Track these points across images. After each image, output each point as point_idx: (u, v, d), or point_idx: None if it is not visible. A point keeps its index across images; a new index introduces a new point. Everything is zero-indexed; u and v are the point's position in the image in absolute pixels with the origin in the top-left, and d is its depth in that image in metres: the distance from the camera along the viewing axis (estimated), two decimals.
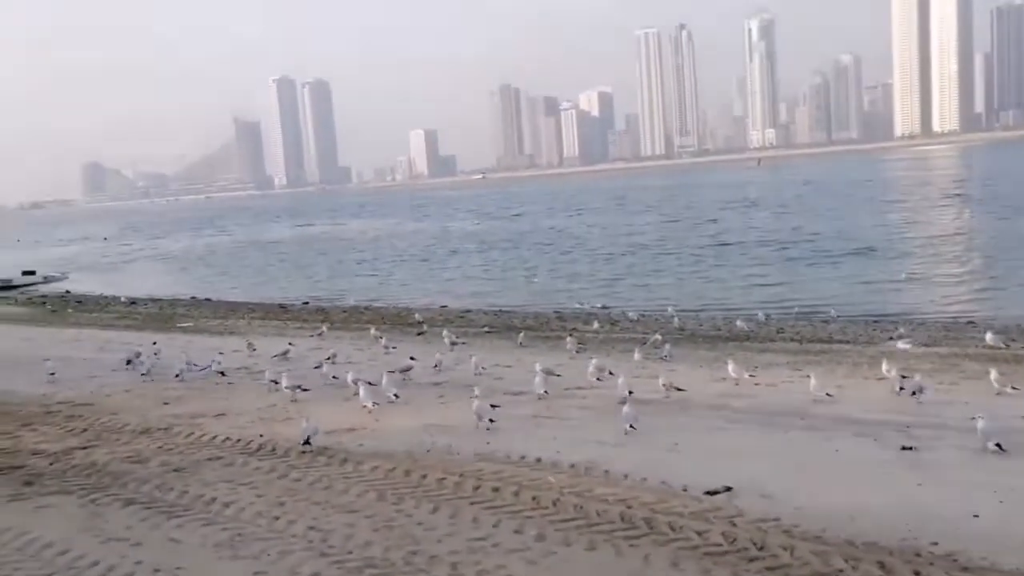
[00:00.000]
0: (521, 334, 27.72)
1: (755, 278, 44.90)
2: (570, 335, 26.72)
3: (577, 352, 24.07)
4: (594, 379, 19.47)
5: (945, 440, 13.54)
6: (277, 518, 11.06)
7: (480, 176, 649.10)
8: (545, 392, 18.07)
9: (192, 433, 15.75)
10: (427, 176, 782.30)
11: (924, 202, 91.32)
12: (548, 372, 19.41)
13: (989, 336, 23.45)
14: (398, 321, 34.76)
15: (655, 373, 19.26)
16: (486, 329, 31.68)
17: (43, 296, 53.93)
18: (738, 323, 30.02)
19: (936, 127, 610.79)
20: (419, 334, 30.50)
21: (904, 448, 13.17)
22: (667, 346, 23.59)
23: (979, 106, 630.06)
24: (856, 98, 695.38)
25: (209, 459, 14.00)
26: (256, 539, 10.37)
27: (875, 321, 31.24)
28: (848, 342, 25.99)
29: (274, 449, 14.44)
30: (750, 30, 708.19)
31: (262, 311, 41.43)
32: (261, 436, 15.28)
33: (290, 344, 26.95)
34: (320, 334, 29.88)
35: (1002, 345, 22.76)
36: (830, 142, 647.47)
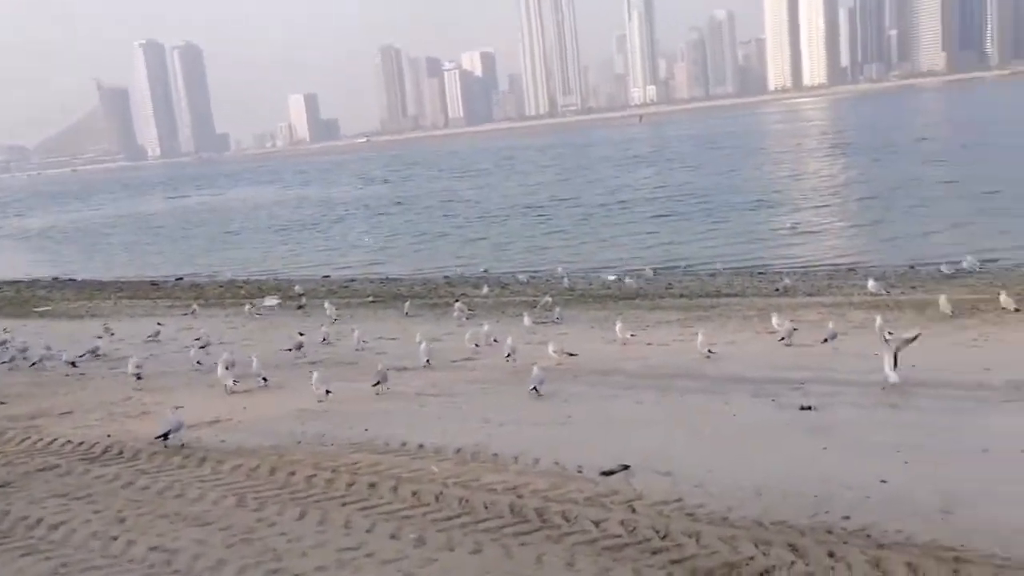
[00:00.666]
0: (407, 303, 26.57)
1: (644, 236, 44.68)
2: (458, 301, 25.70)
3: (467, 319, 23.22)
4: (472, 345, 18.56)
5: (841, 397, 13.18)
6: (115, 538, 9.44)
7: (364, 140, 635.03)
8: (428, 362, 17.10)
9: (27, 438, 13.79)
10: (309, 141, 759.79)
11: (804, 153, 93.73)
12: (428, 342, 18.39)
13: (871, 283, 23.67)
14: (278, 294, 32.88)
15: (545, 339, 18.42)
16: (371, 299, 30.30)
17: None
18: (627, 280, 29.59)
19: (806, 80, 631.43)
20: (299, 308, 28.91)
21: (803, 408, 12.69)
22: (557, 308, 23.05)
23: (845, 60, 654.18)
24: (731, 53, 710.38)
25: (42, 469, 12.15)
26: (85, 568, 8.74)
27: (760, 273, 31.37)
28: (736, 295, 25.94)
29: (121, 452, 12.71)
30: None
31: (131, 290, 38.86)
32: (109, 437, 13.50)
33: (159, 324, 25.12)
34: (192, 312, 28.27)
35: (883, 292, 23.02)
36: (708, 97, 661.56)
